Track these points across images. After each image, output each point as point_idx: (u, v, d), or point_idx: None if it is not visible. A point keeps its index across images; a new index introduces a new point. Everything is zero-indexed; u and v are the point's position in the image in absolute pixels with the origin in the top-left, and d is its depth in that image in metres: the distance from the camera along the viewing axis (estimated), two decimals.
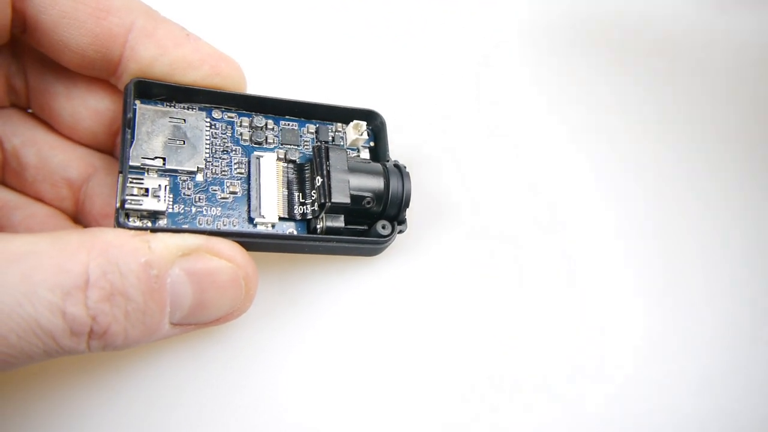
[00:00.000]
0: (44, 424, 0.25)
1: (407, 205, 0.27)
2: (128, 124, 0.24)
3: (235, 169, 0.26)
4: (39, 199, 0.27)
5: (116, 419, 0.26)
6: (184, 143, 0.25)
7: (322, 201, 0.25)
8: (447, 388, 0.28)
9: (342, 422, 0.27)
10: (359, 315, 0.29)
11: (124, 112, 0.24)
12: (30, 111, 0.27)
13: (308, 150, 0.27)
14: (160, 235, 0.22)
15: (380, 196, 0.26)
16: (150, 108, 0.25)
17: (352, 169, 0.26)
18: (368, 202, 0.26)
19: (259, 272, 0.24)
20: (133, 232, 0.21)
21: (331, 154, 0.26)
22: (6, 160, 0.26)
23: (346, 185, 0.25)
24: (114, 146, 0.27)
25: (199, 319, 0.23)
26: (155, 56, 0.24)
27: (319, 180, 0.26)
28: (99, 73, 0.25)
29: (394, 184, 0.26)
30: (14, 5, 0.23)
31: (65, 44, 0.23)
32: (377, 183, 0.26)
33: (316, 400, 0.27)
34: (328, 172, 0.26)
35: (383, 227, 0.27)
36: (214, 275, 0.22)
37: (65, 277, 0.19)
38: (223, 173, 0.26)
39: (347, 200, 0.25)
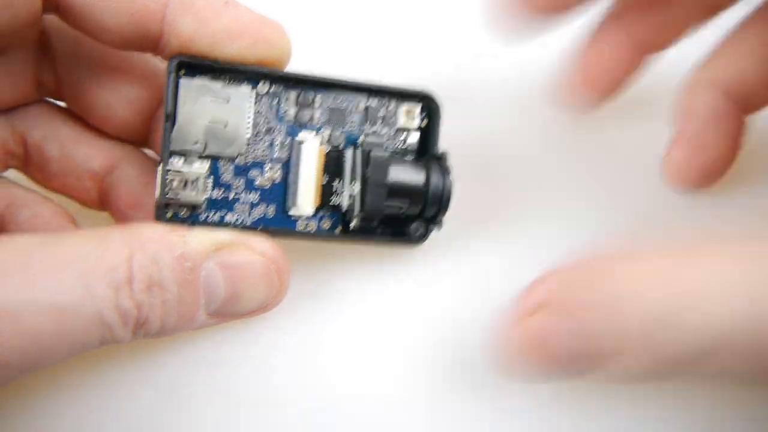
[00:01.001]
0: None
1: (446, 208, 0.26)
2: (169, 109, 0.24)
3: (277, 151, 0.26)
4: (64, 192, 0.27)
5: (126, 411, 0.28)
6: (226, 126, 0.25)
7: (356, 210, 0.25)
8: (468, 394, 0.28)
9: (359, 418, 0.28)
10: (388, 311, 0.29)
11: (165, 96, 0.24)
12: (60, 105, 0.27)
13: (353, 131, 0.26)
14: (195, 230, 0.23)
15: (418, 201, 0.25)
16: (193, 86, 0.24)
17: (394, 180, 0.25)
18: (401, 208, 0.25)
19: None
20: (170, 227, 0.23)
21: (372, 160, 0.25)
22: (29, 155, 0.27)
23: (382, 198, 0.25)
24: (148, 135, 0.27)
25: (233, 310, 0.24)
26: (195, 29, 0.23)
27: (354, 187, 0.25)
28: (142, 50, 0.24)
29: (435, 185, 0.25)
30: None
31: (103, 26, 0.23)
32: (416, 188, 0.25)
33: (336, 396, 0.28)
34: (365, 180, 0.25)
35: (416, 230, 0.26)
36: (246, 268, 0.24)
37: (115, 273, 0.21)
38: (263, 156, 0.25)
39: (380, 212, 0.25)
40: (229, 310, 0.24)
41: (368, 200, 0.25)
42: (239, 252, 0.24)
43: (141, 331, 0.22)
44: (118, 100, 0.26)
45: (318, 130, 0.26)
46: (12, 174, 0.27)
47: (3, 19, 0.22)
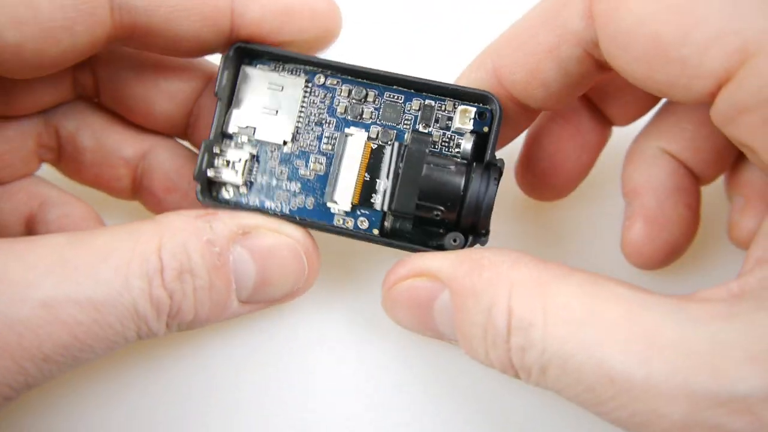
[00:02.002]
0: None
1: (487, 216, 0.24)
2: (223, 90, 0.25)
3: (324, 143, 0.26)
4: (96, 183, 0.28)
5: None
6: (277, 112, 0.25)
7: (385, 206, 0.25)
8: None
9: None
10: None
11: (219, 77, 0.24)
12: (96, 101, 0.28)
13: (406, 130, 0.25)
14: (221, 215, 0.24)
15: (453, 206, 0.24)
16: (250, 73, 0.25)
17: (427, 177, 0.24)
18: (437, 215, 0.24)
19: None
20: (195, 214, 0.23)
21: (408, 154, 0.24)
22: (62, 147, 0.28)
23: (412, 196, 0.24)
24: (187, 127, 0.28)
25: (265, 296, 0.24)
26: (262, 15, 0.24)
27: (384, 183, 0.25)
28: (215, 50, 0.25)
29: (474, 191, 0.24)
30: (118, 20, 0.23)
31: (180, 36, 0.24)
32: (453, 193, 0.24)
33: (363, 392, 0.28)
34: (398, 175, 0.24)
35: (453, 240, 0.24)
36: (274, 251, 0.24)
37: (146, 264, 0.21)
38: (310, 147, 0.26)
39: (410, 211, 0.24)
40: (261, 296, 0.24)
41: (398, 196, 0.24)
42: (267, 235, 0.24)
43: (175, 321, 0.22)
44: (159, 93, 0.27)
45: (368, 126, 0.25)
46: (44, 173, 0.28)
47: (53, 52, 0.22)
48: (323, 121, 0.25)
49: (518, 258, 0.22)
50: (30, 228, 0.27)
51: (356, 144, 0.25)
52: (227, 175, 0.25)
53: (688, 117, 0.25)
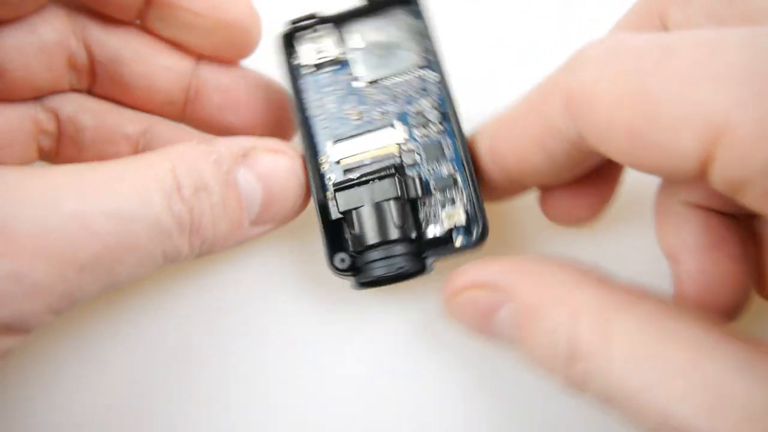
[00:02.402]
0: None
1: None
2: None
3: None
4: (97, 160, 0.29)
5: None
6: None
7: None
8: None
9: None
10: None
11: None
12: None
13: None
14: (219, 139, 0.25)
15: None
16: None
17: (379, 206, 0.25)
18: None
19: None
20: (197, 141, 0.24)
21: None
22: (62, 130, 0.28)
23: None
24: (187, 104, 0.28)
25: (271, 216, 0.25)
26: None
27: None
28: (134, 8, 0.26)
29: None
30: None
31: None
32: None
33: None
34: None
35: (341, 261, 0.26)
36: (275, 171, 0.25)
37: (164, 182, 0.22)
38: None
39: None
40: (267, 216, 0.25)
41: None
42: (264, 155, 0.25)
43: (197, 239, 0.23)
44: (158, 68, 0.28)
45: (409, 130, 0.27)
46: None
47: None
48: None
49: (583, 277, 0.21)
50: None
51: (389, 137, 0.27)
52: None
53: None
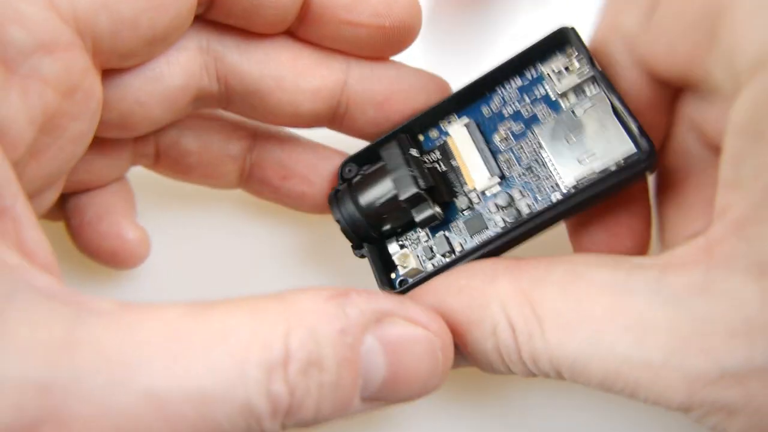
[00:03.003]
0: None
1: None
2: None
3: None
4: (203, 182, 0.28)
5: None
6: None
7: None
8: None
9: None
10: None
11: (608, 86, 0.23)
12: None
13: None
14: (353, 296, 0.20)
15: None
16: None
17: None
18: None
19: None
20: (327, 295, 0.20)
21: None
22: (161, 153, 0.27)
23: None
24: (334, 117, 0.26)
25: (391, 395, 0.20)
26: None
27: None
28: (287, 22, 0.24)
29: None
30: None
31: (258, 2, 0.23)
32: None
33: None
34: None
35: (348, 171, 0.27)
36: (409, 344, 0.20)
37: (270, 353, 0.18)
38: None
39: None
40: (386, 395, 0.20)
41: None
42: (401, 324, 0.20)
43: (292, 420, 0.19)
44: (303, 94, 0.25)
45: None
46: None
47: (164, 20, 0.22)
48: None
49: (493, 270, 0.22)
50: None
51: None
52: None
53: None
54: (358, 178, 0.26)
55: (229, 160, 0.27)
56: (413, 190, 0.24)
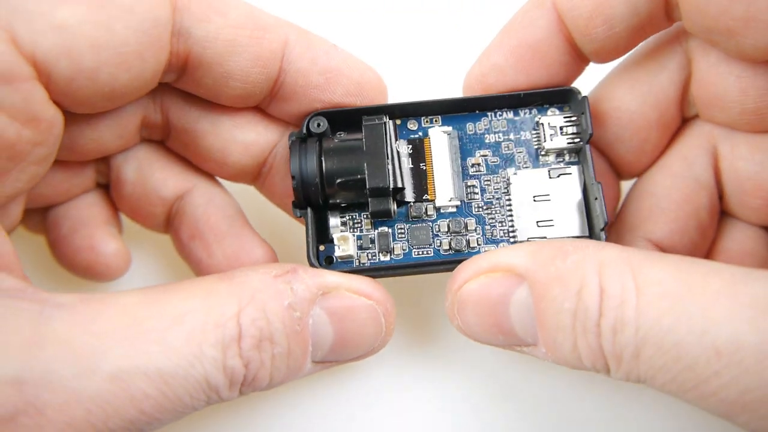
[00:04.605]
0: None
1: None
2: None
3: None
4: (131, 215, 0.28)
5: None
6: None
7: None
8: None
9: None
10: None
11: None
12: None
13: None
14: (301, 273, 0.22)
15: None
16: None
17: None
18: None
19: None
20: (274, 273, 0.22)
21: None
22: (110, 176, 0.27)
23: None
24: (259, 177, 0.27)
25: (339, 357, 0.23)
26: (309, 66, 0.24)
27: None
28: (256, 98, 0.25)
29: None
30: (174, 51, 0.23)
31: (229, 74, 0.23)
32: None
33: None
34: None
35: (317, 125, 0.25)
36: (353, 313, 0.23)
37: (223, 331, 0.20)
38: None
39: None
40: (335, 357, 0.23)
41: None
42: (346, 296, 0.23)
43: (248, 389, 0.21)
44: (235, 144, 0.25)
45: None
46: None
47: (124, 79, 0.22)
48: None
49: (602, 243, 0.21)
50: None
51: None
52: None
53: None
54: (332, 143, 0.25)
55: (160, 203, 0.27)
56: (383, 183, 0.24)
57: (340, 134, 0.26)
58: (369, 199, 0.24)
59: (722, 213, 0.27)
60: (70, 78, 0.21)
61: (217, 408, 0.26)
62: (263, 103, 0.25)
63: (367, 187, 0.24)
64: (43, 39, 0.20)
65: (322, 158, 0.24)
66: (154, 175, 0.26)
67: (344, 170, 0.24)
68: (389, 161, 0.24)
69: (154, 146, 0.27)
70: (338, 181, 0.24)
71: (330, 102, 0.25)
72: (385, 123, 0.24)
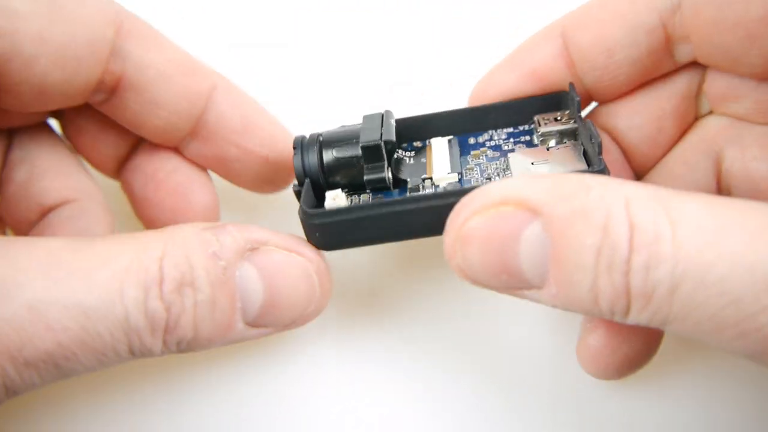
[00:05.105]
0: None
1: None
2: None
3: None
4: (5, 216, 0.27)
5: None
6: None
7: None
8: None
9: None
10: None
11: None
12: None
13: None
14: (229, 227, 0.22)
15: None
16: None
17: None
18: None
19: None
20: (203, 226, 0.22)
21: None
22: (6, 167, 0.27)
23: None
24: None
25: (273, 320, 0.23)
26: (232, 111, 0.26)
27: None
28: (177, 135, 0.26)
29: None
30: (110, 69, 0.24)
31: (157, 102, 0.25)
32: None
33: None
34: None
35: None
36: (284, 269, 0.22)
37: (146, 273, 0.20)
38: None
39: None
40: (268, 319, 0.22)
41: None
42: (275, 252, 0.22)
43: (172, 338, 0.21)
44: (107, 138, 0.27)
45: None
46: None
47: (57, 76, 0.23)
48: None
49: (621, 179, 0.19)
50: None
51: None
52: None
53: None
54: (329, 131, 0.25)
55: (38, 210, 0.26)
56: (376, 139, 0.23)
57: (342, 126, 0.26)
58: (364, 168, 0.24)
59: None
60: (6, 58, 0.22)
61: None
62: (182, 144, 0.26)
63: (360, 144, 0.24)
64: None
65: (321, 141, 0.25)
66: (43, 181, 0.26)
67: (341, 145, 0.24)
68: (383, 127, 0.24)
69: (55, 140, 0.28)
70: (336, 155, 0.24)
71: (245, 148, 0.26)
72: (383, 115, 0.25)
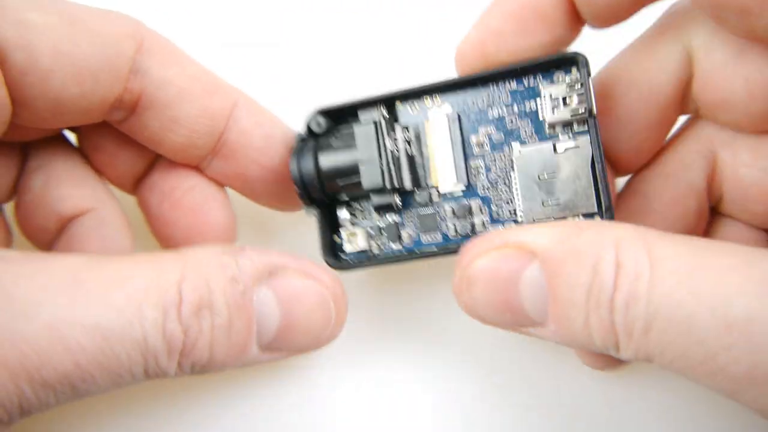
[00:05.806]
0: None
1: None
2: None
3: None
4: (23, 225, 0.27)
5: None
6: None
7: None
8: None
9: None
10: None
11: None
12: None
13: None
14: (248, 251, 0.22)
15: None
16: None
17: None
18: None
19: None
20: (222, 249, 0.22)
21: None
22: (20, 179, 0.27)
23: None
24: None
25: (287, 344, 0.23)
26: (253, 128, 0.26)
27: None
28: (198, 153, 0.25)
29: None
30: (129, 87, 0.24)
31: (178, 119, 0.24)
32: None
33: None
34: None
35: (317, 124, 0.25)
36: (301, 296, 0.22)
37: (165, 295, 0.20)
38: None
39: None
40: (283, 344, 0.22)
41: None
42: (294, 278, 0.22)
43: (188, 361, 0.21)
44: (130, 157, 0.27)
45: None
46: None
47: (74, 92, 0.23)
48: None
49: (615, 222, 0.21)
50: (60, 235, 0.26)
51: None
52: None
53: None
54: (328, 140, 0.25)
55: (55, 219, 0.26)
56: (379, 184, 0.24)
57: (336, 130, 0.26)
58: (371, 196, 0.25)
59: (719, 213, 0.27)
60: (23, 71, 0.22)
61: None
62: (203, 163, 0.26)
63: (363, 188, 0.24)
64: (6, 28, 0.21)
65: (318, 159, 0.25)
66: (59, 189, 0.25)
67: (341, 172, 0.24)
68: (383, 161, 0.24)
69: (67, 148, 0.27)
70: (339, 182, 0.25)
71: (267, 167, 0.26)
72: (376, 123, 0.24)
